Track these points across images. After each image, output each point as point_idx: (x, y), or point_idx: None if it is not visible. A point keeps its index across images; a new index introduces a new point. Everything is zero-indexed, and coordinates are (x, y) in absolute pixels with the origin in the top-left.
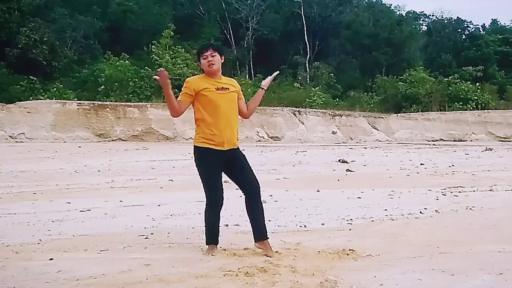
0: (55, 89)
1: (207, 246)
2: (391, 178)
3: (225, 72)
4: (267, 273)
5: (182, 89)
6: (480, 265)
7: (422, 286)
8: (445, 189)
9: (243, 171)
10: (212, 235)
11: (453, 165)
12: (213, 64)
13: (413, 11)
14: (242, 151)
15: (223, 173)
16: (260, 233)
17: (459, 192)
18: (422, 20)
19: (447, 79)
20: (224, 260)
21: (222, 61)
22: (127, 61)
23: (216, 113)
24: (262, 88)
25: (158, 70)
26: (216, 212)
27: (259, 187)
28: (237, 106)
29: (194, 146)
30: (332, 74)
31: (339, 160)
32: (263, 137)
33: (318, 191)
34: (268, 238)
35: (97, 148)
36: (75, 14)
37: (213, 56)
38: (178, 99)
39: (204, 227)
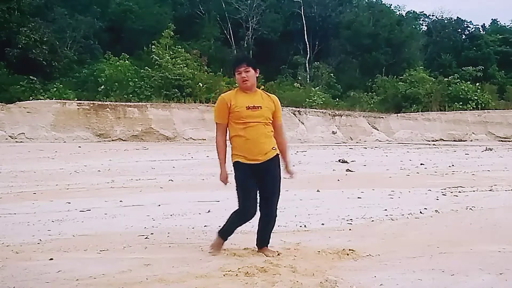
0: (55, 89)
1: (216, 236)
2: (391, 178)
3: (225, 72)
4: (267, 273)
5: (217, 109)
6: (480, 265)
7: (422, 286)
8: (445, 189)
9: (268, 182)
10: (227, 232)
11: (453, 165)
12: (247, 81)
13: (413, 11)
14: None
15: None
16: (263, 241)
17: (459, 192)
18: (422, 20)
19: (447, 79)
20: (224, 260)
21: (257, 74)
22: (127, 61)
23: (246, 130)
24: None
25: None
26: (245, 222)
27: (277, 202)
28: (271, 121)
29: (232, 163)
30: (332, 74)
31: (339, 160)
32: None
33: (318, 191)
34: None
35: (97, 148)
36: (75, 14)
37: (247, 71)
38: (217, 122)
39: (224, 224)
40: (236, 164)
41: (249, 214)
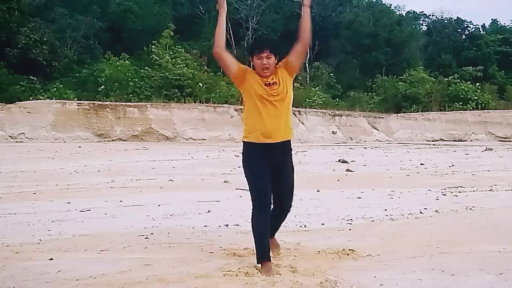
0: (55, 89)
1: (259, 264)
2: (391, 178)
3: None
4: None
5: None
6: (480, 265)
7: (422, 286)
8: (445, 189)
9: (282, 181)
10: (262, 248)
11: (453, 165)
12: (267, 68)
13: (413, 11)
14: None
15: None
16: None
17: (459, 192)
18: (422, 20)
19: (447, 79)
20: (224, 260)
21: (276, 61)
22: (127, 61)
23: (263, 107)
24: (305, 5)
25: None
26: (264, 216)
27: (290, 206)
28: (289, 97)
29: (242, 142)
30: (332, 74)
31: (339, 160)
32: None
33: (318, 191)
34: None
35: (97, 148)
36: (75, 14)
37: (268, 58)
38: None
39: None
40: (246, 146)
41: (263, 205)
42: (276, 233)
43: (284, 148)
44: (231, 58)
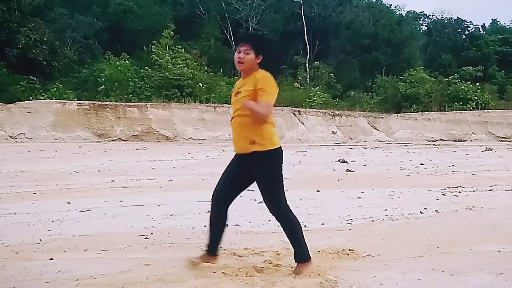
0: (55, 89)
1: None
2: (391, 178)
3: (225, 72)
4: (267, 273)
5: None
6: (480, 265)
7: (422, 286)
8: (445, 189)
9: (256, 181)
10: (208, 238)
11: (453, 165)
12: (241, 63)
13: (413, 11)
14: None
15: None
16: (294, 253)
17: (459, 192)
18: (422, 20)
19: (447, 79)
20: (224, 260)
21: (258, 61)
22: (127, 61)
23: (232, 120)
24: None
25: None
26: (214, 208)
27: (272, 200)
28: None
29: None
30: (332, 74)
31: (339, 160)
32: None
33: (318, 191)
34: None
35: (97, 148)
36: (75, 14)
37: (247, 53)
38: None
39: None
40: None
41: (214, 197)
42: (303, 252)
43: (250, 158)
44: None
